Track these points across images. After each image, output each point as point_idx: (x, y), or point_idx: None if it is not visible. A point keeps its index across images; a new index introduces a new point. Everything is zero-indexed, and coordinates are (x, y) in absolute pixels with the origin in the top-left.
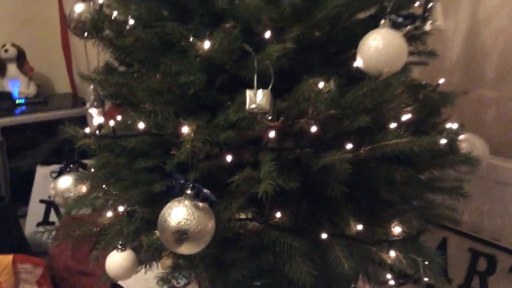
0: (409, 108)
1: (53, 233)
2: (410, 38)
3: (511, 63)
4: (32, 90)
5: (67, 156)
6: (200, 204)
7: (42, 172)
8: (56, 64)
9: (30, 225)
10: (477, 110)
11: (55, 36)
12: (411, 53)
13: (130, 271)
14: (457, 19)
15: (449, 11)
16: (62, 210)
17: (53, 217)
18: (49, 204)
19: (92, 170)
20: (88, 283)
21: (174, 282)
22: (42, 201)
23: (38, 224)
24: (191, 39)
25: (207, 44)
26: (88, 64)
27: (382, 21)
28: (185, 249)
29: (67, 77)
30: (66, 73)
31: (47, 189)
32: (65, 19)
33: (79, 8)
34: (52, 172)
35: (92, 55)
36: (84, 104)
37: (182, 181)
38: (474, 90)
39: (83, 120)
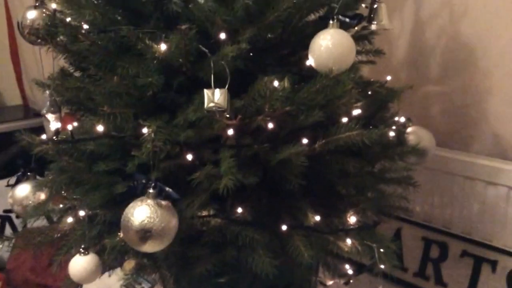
0: (359, 104)
1: (11, 243)
2: (358, 38)
3: (453, 60)
4: None
5: (23, 165)
6: (163, 202)
7: None
8: (5, 76)
9: None
10: (424, 105)
11: (4, 47)
12: (359, 52)
13: (93, 275)
14: (402, 19)
15: (394, 11)
16: (18, 224)
17: (8, 232)
18: (4, 219)
19: (51, 177)
20: None
21: (138, 287)
22: None
23: None
24: (147, 42)
25: (163, 47)
26: (43, 72)
27: (331, 22)
28: (149, 247)
29: (17, 88)
30: (16, 84)
31: (1, 203)
32: (13, 29)
33: (31, 14)
34: (9, 181)
35: (46, 62)
36: (36, 115)
37: (144, 181)
38: (421, 86)
39: (36, 131)
